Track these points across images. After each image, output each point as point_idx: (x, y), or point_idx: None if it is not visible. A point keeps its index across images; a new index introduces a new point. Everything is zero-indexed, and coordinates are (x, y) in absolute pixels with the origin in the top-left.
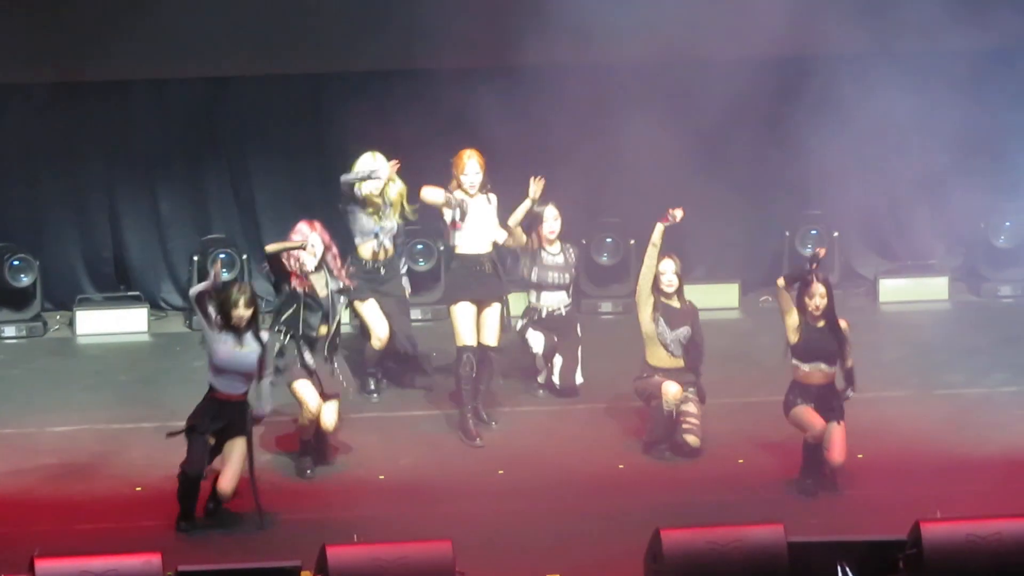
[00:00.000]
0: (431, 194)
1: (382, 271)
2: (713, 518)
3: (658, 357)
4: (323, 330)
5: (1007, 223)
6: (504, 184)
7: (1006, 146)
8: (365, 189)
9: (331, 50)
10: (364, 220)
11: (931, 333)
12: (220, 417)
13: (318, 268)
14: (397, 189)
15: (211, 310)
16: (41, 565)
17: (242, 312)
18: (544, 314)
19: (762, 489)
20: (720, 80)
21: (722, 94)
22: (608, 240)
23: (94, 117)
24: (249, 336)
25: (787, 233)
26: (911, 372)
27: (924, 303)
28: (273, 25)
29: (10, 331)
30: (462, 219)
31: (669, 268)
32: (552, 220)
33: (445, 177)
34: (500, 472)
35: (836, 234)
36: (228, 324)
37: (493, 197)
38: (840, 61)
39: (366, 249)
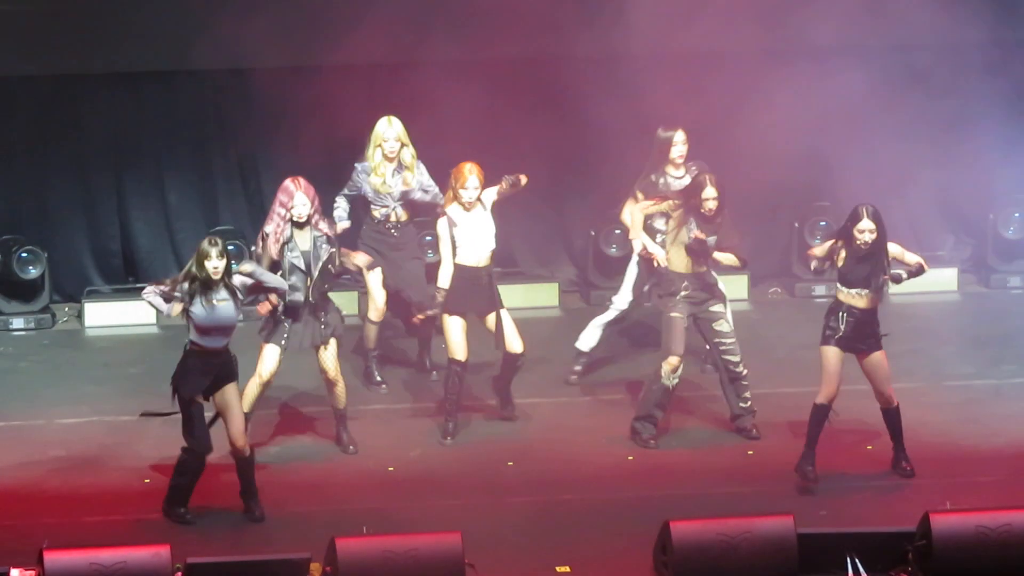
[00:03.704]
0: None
1: (394, 232)
2: (723, 510)
3: (679, 263)
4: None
5: (1016, 214)
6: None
7: (1015, 136)
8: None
9: (338, 43)
10: (369, 188)
11: (940, 324)
12: (207, 372)
13: (305, 223)
14: (411, 152)
15: (178, 292)
16: (50, 557)
17: (216, 263)
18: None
19: (772, 481)
20: (727, 71)
21: (729, 86)
22: (617, 231)
23: (102, 109)
24: (222, 289)
25: (796, 225)
26: (920, 364)
27: (933, 294)
28: (282, 17)
29: (18, 323)
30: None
31: (711, 194)
32: (681, 144)
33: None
34: (509, 464)
35: None
36: (203, 277)
37: (487, 194)
38: (844, 52)
39: (379, 212)
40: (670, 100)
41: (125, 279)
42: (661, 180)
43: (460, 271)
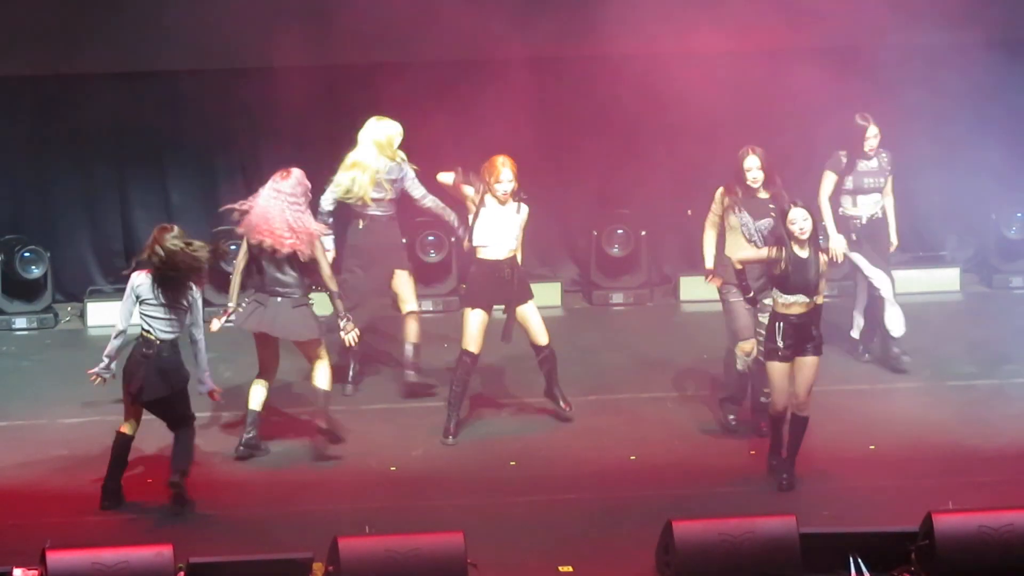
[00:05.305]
0: (446, 178)
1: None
2: (725, 509)
3: (737, 249)
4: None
5: (1018, 214)
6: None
7: (1018, 136)
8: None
9: (343, 42)
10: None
11: (942, 324)
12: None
13: None
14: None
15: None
16: (52, 557)
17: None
18: (864, 220)
19: (774, 481)
20: (729, 72)
21: (731, 86)
22: (619, 231)
23: (105, 109)
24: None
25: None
26: (923, 363)
27: (936, 294)
28: (285, 17)
29: (21, 323)
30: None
31: (754, 164)
32: (873, 138)
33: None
34: (512, 464)
35: None
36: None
37: (525, 208)
38: (845, 52)
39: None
40: (671, 100)
41: (127, 279)
42: (852, 163)
43: (481, 265)
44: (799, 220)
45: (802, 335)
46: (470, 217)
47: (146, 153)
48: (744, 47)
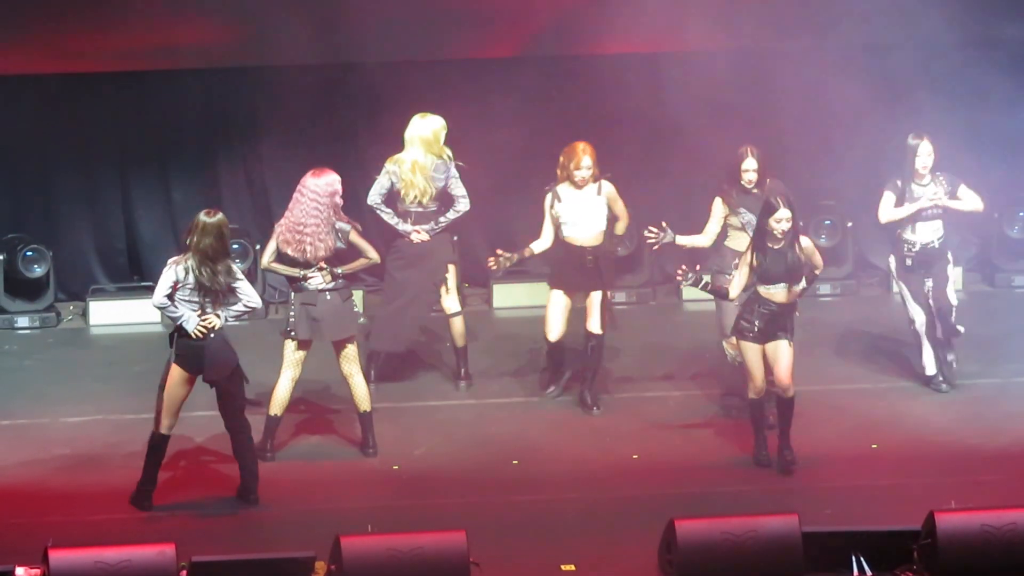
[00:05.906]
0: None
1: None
2: (727, 508)
3: (739, 242)
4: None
5: (1021, 213)
6: (516, 176)
7: (1020, 135)
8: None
9: (346, 41)
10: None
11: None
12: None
13: None
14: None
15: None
16: (55, 556)
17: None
18: (918, 247)
19: (776, 479)
20: (730, 70)
21: (732, 84)
22: None
23: (108, 107)
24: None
25: (801, 223)
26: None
27: None
28: (287, 16)
29: (23, 322)
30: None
31: (751, 166)
32: (926, 156)
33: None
34: (515, 463)
35: (850, 224)
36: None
37: (607, 185)
38: (847, 52)
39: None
40: (673, 99)
41: (130, 277)
42: (906, 188)
43: (563, 248)
44: (783, 220)
45: (777, 322)
46: (549, 216)
47: (148, 152)
48: (744, 47)
